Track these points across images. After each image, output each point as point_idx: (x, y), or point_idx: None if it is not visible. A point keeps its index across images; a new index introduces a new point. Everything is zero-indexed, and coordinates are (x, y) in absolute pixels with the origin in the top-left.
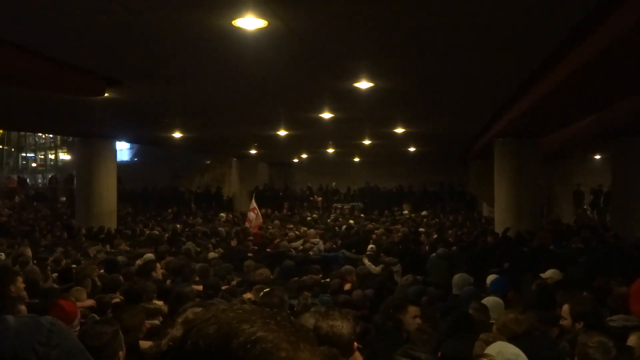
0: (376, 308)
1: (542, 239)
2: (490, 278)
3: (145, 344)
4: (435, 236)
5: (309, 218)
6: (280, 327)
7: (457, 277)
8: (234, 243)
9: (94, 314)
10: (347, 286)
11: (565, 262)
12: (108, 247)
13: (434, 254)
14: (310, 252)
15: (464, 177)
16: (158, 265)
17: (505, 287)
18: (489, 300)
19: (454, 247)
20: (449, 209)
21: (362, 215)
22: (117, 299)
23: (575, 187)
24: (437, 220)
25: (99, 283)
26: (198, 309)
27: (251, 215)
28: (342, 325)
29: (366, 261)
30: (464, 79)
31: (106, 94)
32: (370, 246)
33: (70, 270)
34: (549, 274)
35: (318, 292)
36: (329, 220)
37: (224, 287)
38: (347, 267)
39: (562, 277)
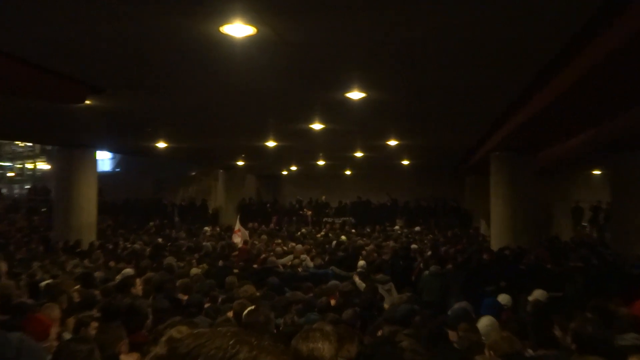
0: (362, 327)
1: (539, 256)
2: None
3: (127, 358)
4: (429, 253)
5: (298, 233)
6: (273, 348)
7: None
8: (221, 264)
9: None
10: (332, 302)
11: (562, 281)
12: (87, 261)
13: (426, 272)
14: (299, 269)
15: (459, 192)
16: (137, 280)
17: (499, 308)
18: (486, 321)
19: (449, 265)
20: (442, 224)
21: (353, 230)
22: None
23: (574, 203)
24: (431, 236)
25: (75, 299)
26: (183, 327)
27: (235, 237)
28: (322, 348)
29: (357, 279)
30: (458, 91)
31: (87, 102)
32: (360, 263)
33: (37, 286)
34: (535, 295)
35: (303, 310)
36: (318, 236)
37: (206, 305)
38: (333, 282)
39: (547, 297)
